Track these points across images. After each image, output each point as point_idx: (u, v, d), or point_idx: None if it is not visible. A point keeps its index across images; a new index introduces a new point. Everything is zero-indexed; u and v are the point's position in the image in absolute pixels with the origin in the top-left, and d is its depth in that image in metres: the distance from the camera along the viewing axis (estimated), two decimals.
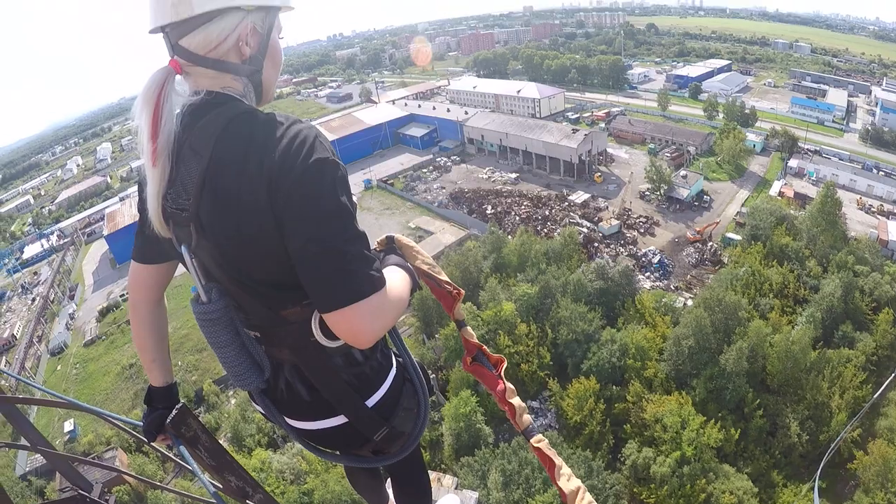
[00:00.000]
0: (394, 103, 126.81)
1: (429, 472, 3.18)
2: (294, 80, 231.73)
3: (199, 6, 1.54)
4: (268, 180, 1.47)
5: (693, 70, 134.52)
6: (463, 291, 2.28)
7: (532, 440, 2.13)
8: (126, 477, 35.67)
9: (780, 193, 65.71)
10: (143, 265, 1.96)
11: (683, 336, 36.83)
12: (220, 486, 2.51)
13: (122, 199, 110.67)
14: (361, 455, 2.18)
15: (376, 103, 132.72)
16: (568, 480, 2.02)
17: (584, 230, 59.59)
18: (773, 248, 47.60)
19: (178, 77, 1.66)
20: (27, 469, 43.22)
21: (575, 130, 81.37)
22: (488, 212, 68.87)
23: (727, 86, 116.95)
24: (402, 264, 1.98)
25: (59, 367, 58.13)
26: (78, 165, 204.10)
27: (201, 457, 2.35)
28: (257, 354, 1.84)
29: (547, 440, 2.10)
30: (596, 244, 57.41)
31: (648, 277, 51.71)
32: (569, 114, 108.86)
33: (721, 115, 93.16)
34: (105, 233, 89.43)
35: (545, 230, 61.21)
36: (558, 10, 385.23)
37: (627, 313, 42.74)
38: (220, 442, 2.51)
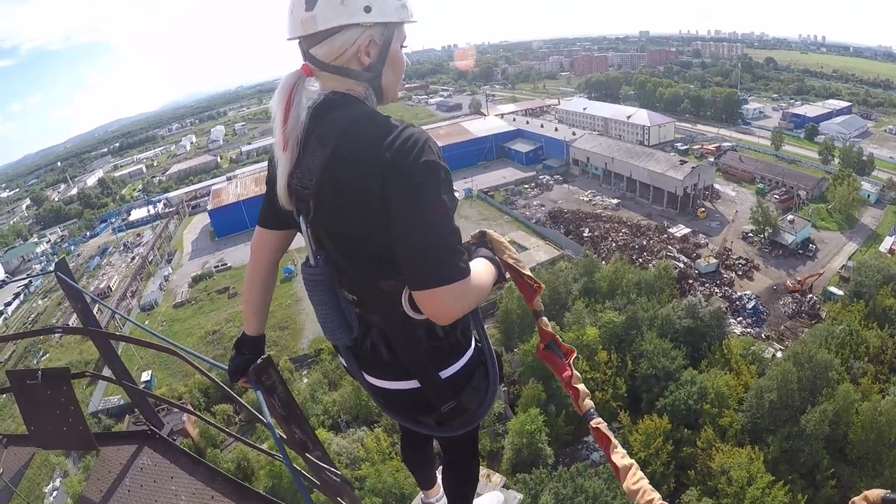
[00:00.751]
0: (502, 117, 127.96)
1: (480, 466, 3.34)
2: (406, 85, 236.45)
3: (323, 23, 1.85)
4: (381, 173, 1.73)
5: (811, 109, 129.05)
6: (543, 286, 2.51)
7: (592, 422, 2.34)
8: (191, 430, 38.47)
9: (892, 251, 61.62)
10: (265, 230, 2.31)
11: (767, 388, 35.44)
12: (285, 438, 2.69)
13: (228, 179, 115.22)
14: (424, 422, 2.35)
15: (485, 115, 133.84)
16: (622, 458, 2.20)
17: (681, 265, 58.78)
18: (877, 308, 44.79)
19: (309, 79, 2.01)
20: (99, 407, 46.35)
21: (682, 162, 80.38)
22: (585, 234, 68.78)
23: (845, 129, 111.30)
24: (490, 257, 2.22)
25: (146, 322, 61.26)
26: (192, 143, 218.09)
27: (274, 406, 2.59)
28: (350, 316, 2.13)
29: (605, 423, 2.31)
30: (690, 281, 56.42)
31: (740, 322, 50.29)
32: (678, 144, 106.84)
33: (836, 160, 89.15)
34: (209, 207, 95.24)
35: (640, 260, 60.59)
36: (675, 38, 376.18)
37: (712, 356, 41.57)
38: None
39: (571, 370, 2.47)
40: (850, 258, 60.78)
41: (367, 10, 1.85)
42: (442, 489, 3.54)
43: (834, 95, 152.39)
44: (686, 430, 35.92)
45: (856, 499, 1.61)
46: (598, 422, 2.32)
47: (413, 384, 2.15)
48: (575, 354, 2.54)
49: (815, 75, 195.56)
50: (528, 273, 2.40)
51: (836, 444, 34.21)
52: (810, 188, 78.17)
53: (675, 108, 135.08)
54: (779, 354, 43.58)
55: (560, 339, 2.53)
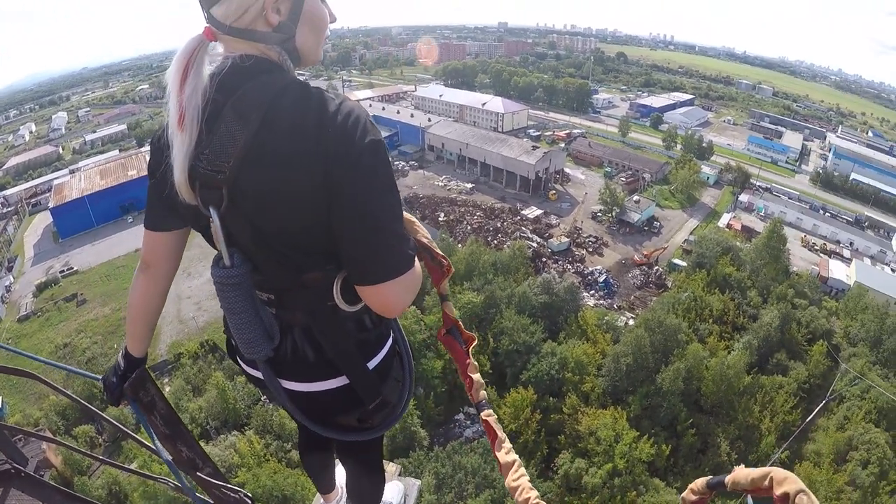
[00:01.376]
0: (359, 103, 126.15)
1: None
2: None
3: None
4: (324, 158, 1.50)
5: (656, 101, 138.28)
6: (453, 268, 2.31)
7: (483, 413, 2.24)
8: (53, 460, 34.41)
9: (729, 225, 67.59)
10: (157, 233, 1.93)
11: (623, 354, 37.43)
12: (171, 457, 2.46)
13: (72, 172, 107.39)
14: (346, 425, 2.11)
15: None
16: (507, 454, 2.12)
17: (534, 245, 59.81)
18: (717, 276, 48.45)
19: (213, 44, 1.65)
20: None
21: (535, 147, 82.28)
22: (441, 219, 68.76)
23: (688, 119, 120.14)
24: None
25: None
26: (31, 132, 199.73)
27: (156, 423, 2.37)
28: (268, 320, 1.82)
29: (495, 416, 2.21)
30: (544, 259, 57.62)
31: (593, 295, 52.14)
32: (531, 131, 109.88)
33: (679, 147, 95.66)
34: (51, 205, 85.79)
35: (496, 242, 61.25)
36: (532, 30, 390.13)
37: (570, 328, 43.02)
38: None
39: (470, 358, 2.37)
40: (691, 233, 65.06)
41: None
42: (342, 491, 3.35)
43: (679, 89, 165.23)
44: (551, 398, 37.53)
45: (683, 494, 1.68)
46: (488, 413, 2.25)
47: (339, 382, 1.94)
48: (475, 342, 2.41)
49: (663, 70, 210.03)
50: (441, 253, 2.23)
51: (691, 397, 37.36)
52: (654, 171, 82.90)
53: (529, 96, 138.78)
54: (631, 322, 45.94)
55: (462, 326, 2.42)
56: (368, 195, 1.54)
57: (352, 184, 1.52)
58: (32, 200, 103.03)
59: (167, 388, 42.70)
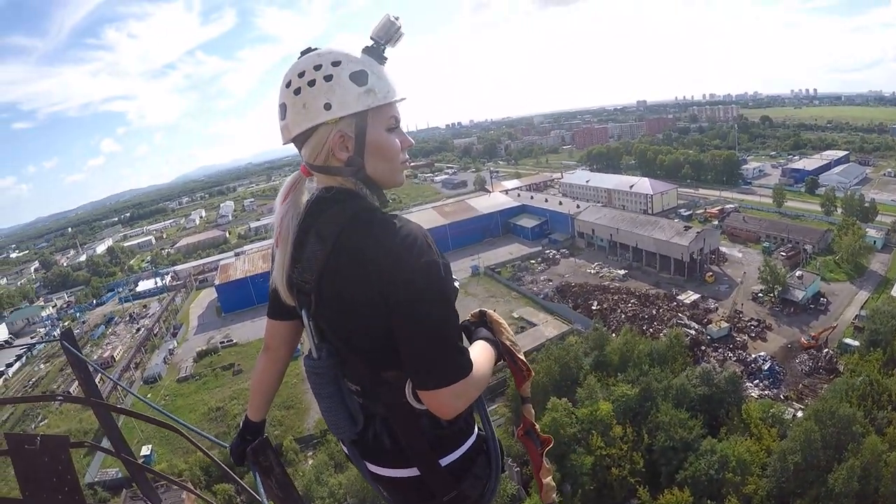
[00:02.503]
0: (507, 193, 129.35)
1: None
2: (412, 164, 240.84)
3: (294, 129, 1.93)
4: (380, 273, 1.74)
5: (809, 163, 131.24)
6: (533, 372, 2.45)
7: None
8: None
9: None
10: (275, 321, 2.35)
11: (790, 450, 34.23)
12: None
13: (237, 255, 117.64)
14: None
15: (490, 192, 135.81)
16: None
17: (692, 332, 58.25)
18: (895, 354, 44.40)
19: (309, 178, 2.08)
20: (96, 478, 45.87)
21: (687, 228, 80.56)
22: (594, 308, 68.42)
23: (845, 178, 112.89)
24: (489, 338, 2.23)
25: (149, 395, 61.05)
26: (201, 217, 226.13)
27: (272, 487, 2.63)
28: (353, 407, 2.08)
29: None
30: (703, 347, 55.75)
31: (757, 385, 49.28)
32: (681, 210, 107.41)
33: (839, 210, 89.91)
34: (216, 282, 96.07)
35: (651, 330, 60.04)
36: (671, 104, 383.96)
37: (731, 423, 40.46)
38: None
39: (544, 461, 2.48)
40: (862, 307, 60.16)
41: (328, 107, 1.86)
42: None
43: (831, 146, 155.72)
44: (709, 501, 34.66)
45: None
46: None
47: (413, 472, 2.09)
48: (551, 444, 2.55)
49: (811, 128, 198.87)
50: (522, 358, 2.33)
51: (868, 499, 32.82)
52: (816, 241, 78.39)
53: (676, 174, 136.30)
54: (799, 414, 42.39)
55: (538, 429, 2.51)
56: (420, 312, 1.75)
57: (405, 302, 1.74)
58: (200, 277, 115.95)
59: (310, 462, 45.15)
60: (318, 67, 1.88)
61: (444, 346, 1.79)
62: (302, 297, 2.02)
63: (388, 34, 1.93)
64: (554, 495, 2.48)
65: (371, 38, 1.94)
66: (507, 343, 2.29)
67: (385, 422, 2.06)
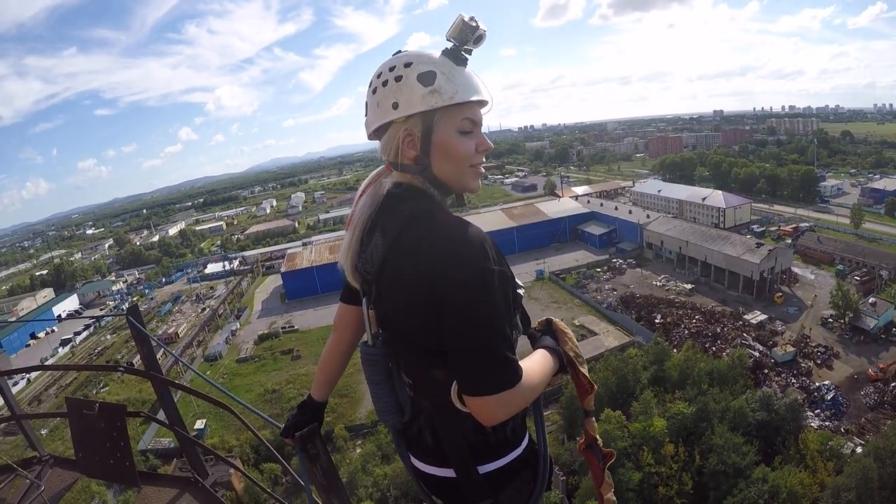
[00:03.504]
0: (576, 199, 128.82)
1: None
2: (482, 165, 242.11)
3: (371, 126, 2.03)
4: (433, 274, 1.75)
5: (890, 183, 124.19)
6: (596, 387, 2.41)
7: None
8: (236, 485, 38.34)
9: None
10: (346, 305, 2.41)
11: (844, 487, 32.59)
12: None
13: (304, 244, 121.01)
14: None
15: (559, 197, 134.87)
16: None
17: (756, 354, 56.58)
18: None
19: (390, 173, 2.13)
20: (149, 446, 47.58)
21: (759, 245, 78.53)
22: (657, 321, 67.50)
23: None
24: (553, 347, 2.18)
25: (208, 372, 62.76)
26: (272, 206, 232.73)
27: (316, 473, 2.68)
28: (403, 398, 2.15)
29: None
30: (766, 371, 54.26)
31: (818, 415, 47.45)
32: (754, 226, 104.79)
33: None
34: (283, 270, 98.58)
35: (714, 348, 58.80)
36: (749, 115, 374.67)
37: (787, 452, 39.06)
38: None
39: (606, 476, 2.45)
40: None
41: (395, 106, 1.92)
42: None
43: None
44: None
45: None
46: None
47: (450, 472, 2.09)
48: (613, 459, 2.49)
49: (894, 146, 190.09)
50: (585, 372, 2.30)
51: None
52: (893, 267, 74.97)
53: (750, 188, 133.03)
54: (859, 450, 40.53)
55: (601, 443, 2.47)
56: (469, 318, 1.73)
57: (454, 306, 1.73)
58: (267, 263, 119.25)
59: (357, 451, 45.72)
60: (392, 68, 1.95)
61: (489, 355, 1.76)
62: (365, 285, 2.10)
63: (463, 35, 1.95)
64: None
65: (447, 40, 1.97)
66: (571, 354, 2.26)
67: (430, 418, 2.09)
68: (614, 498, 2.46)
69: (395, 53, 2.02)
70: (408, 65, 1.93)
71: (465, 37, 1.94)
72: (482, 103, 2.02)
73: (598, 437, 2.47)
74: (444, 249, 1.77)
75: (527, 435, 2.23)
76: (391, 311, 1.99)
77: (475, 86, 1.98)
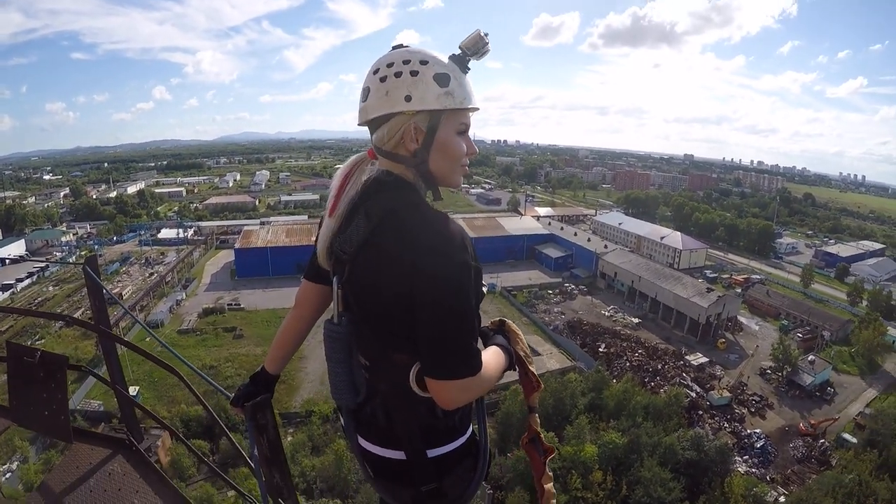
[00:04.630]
0: (538, 219, 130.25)
1: None
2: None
3: (372, 112, 2.04)
4: (415, 261, 1.84)
5: (844, 249, 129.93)
6: (543, 385, 2.56)
7: None
8: (162, 457, 37.57)
9: None
10: (309, 283, 2.47)
11: None
12: (263, 479, 2.75)
13: (262, 224, 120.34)
14: (402, 497, 2.30)
15: (521, 214, 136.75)
16: None
17: (693, 394, 57.69)
18: (890, 459, 43.04)
19: (373, 161, 2.20)
20: (78, 406, 46.85)
21: (710, 290, 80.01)
22: (601, 350, 68.00)
23: (877, 272, 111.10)
24: (504, 346, 2.32)
25: (146, 339, 60.37)
26: (235, 180, 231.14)
27: (262, 445, 2.73)
28: (359, 379, 2.20)
29: None
30: (700, 412, 55.23)
31: (746, 461, 48.39)
32: (707, 271, 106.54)
33: (864, 303, 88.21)
34: (236, 246, 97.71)
35: (652, 384, 59.53)
36: (718, 164, 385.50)
37: (712, 493, 39.98)
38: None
39: (546, 468, 2.62)
40: (868, 405, 59.16)
41: (408, 99, 1.98)
42: None
43: (869, 236, 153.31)
44: None
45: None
46: None
47: (399, 454, 2.19)
48: (553, 454, 2.67)
49: (852, 215, 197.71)
50: (533, 371, 2.47)
51: None
52: (835, 329, 76.92)
53: (709, 234, 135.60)
54: (782, 500, 42.06)
55: (543, 437, 2.64)
56: (445, 306, 1.85)
57: (429, 294, 1.84)
58: (221, 237, 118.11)
59: (289, 439, 45.27)
60: (406, 62, 2.00)
61: (459, 342, 1.89)
62: (337, 265, 2.15)
63: (476, 48, 2.05)
64: (553, 501, 2.60)
65: (459, 48, 2.06)
66: (521, 353, 2.42)
67: (384, 400, 2.16)
68: (553, 490, 2.61)
69: (398, 46, 2.11)
70: (424, 62, 2.01)
71: (476, 49, 2.07)
72: (474, 110, 2.14)
73: (540, 431, 2.63)
74: (428, 239, 1.88)
75: (470, 426, 2.34)
76: (362, 291, 2.05)
77: (474, 94, 2.11)
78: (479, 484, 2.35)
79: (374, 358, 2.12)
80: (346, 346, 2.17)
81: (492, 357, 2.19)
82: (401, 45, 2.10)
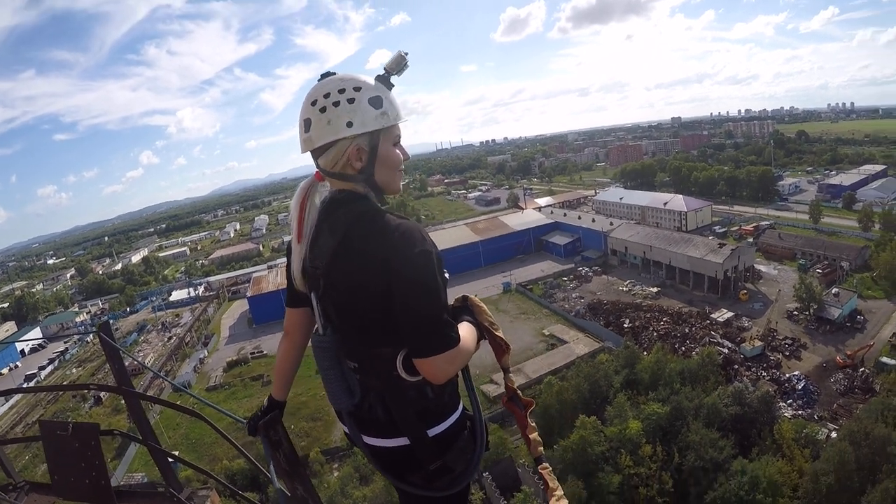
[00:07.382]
0: (540, 210, 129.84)
1: None
2: (446, 180, 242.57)
3: (318, 141, 2.23)
4: (383, 260, 2.07)
5: (846, 178, 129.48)
6: (511, 346, 2.71)
7: (540, 466, 2.71)
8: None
9: None
10: (293, 309, 2.65)
11: (823, 472, 33.18)
12: (288, 494, 2.93)
13: (270, 268, 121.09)
14: (413, 481, 2.43)
15: (523, 209, 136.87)
16: (558, 501, 2.57)
17: (725, 351, 57.48)
18: None
19: (322, 183, 2.40)
20: (122, 482, 46.31)
21: (721, 245, 79.98)
22: (625, 325, 68.15)
23: (883, 193, 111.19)
24: (471, 321, 2.51)
25: (178, 402, 61.09)
26: (235, 230, 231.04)
27: (279, 460, 2.84)
28: (351, 382, 2.35)
29: (550, 468, 2.70)
30: (736, 366, 54.96)
31: (790, 405, 48.18)
32: (716, 227, 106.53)
33: (878, 226, 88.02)
34: (248, 294, 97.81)
35: (683, 348, 59.40)
36: (706, 121, 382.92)
37: (763, 443, 39.27)
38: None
39: (529, 421, 2.75)
40: None
41: (349, 125, 2.16)
42: None
43: (868, 161, 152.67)
44: None
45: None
46: (544, 467, 2.70)
47: (403, 441, 2.32)
48: (533, 406, 2.80)
49: (848, 143, 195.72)
50: (501, 335, 2.62)
51: None
52: (853, 258, 76.87)
53: (710, 191, 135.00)
54: (833, 435, 41.24)
55: (521, 394, 2.77)
56: (416, 292, 2.06)
57: (403, 283, 2.05)
58: (232, 288, 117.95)
59: (336, 473, 45.27)
60: (342, 91, 2.20)
61: (437, 321, 2.09)
62: (313, 281, 2.34)
63: (398, 67, 2.27)
64: (540, 448, 2.73)
65: (384, 69, 2.28)
66: (486, 324, 2.59)
67: (379, 394, 2.32)
68: (539, 438, 2.74)
69: (327, 74, 2.31)
70: (357, 89, 2.21)
71: (399, 68, 2.28)
72: (404, 122, 2.35)
73: (517, 389, 2.79)
74: (394, 237, 2.10)
75: (460, 402, 2.50)
76: (340, 299, 2.25)
77: (401, 108, 2.32)
78: (481, 455, 2.51)
79: (361, 358, 2.31)
80: (333, 353, 2.34)
81: (466, 330, 2.37)
82: (329, 73, 2.30)
